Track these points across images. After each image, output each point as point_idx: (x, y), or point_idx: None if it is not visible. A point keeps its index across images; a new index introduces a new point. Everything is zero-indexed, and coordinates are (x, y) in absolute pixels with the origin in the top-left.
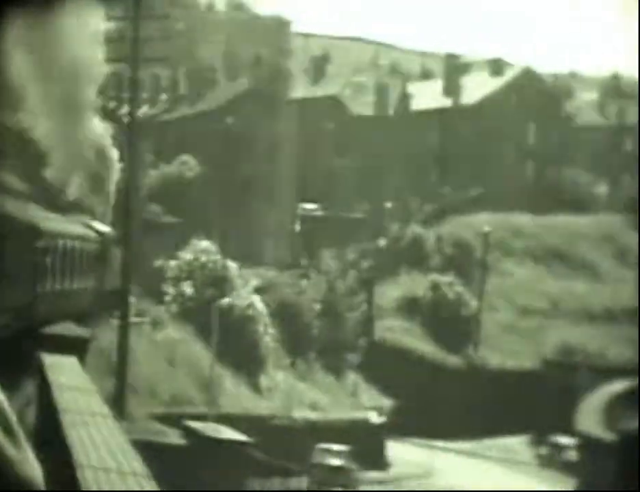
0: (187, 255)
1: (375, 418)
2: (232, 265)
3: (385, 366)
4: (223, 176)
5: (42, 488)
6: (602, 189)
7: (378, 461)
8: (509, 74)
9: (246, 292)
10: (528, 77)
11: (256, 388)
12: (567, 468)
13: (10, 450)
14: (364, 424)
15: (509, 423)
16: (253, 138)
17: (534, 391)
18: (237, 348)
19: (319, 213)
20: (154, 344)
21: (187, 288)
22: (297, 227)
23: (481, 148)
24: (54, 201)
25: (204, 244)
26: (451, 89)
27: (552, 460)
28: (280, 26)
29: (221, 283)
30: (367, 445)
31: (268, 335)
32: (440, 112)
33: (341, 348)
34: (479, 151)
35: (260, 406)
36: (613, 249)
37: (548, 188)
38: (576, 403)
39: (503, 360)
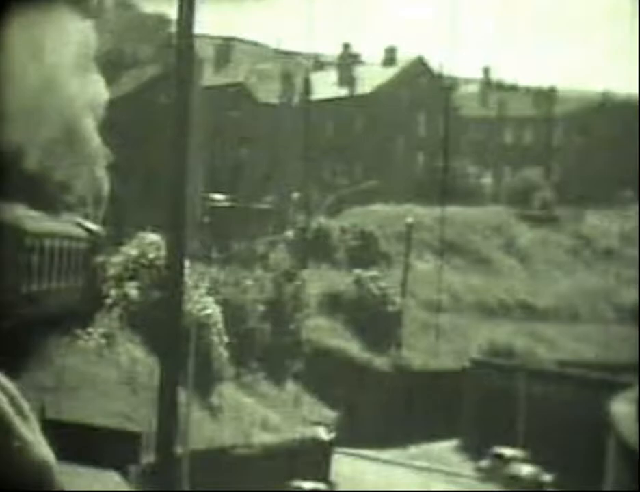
0: (131, 250)
1: (324, 435)
2: (185, 263)
3: (315, 371)
4: (132, 167)
5: (56, 470)
6: (487, 180)
7: (325, 479)
8: (400, 65)
9: (198, 295)
10: (419, 68)
11: (210, 410)
12: (512, 483)
13: (27, 434)
14: (315, 442)
15: (437, 428)
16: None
17: (461, 394)
18: (189, 362)
19: (227, 204)
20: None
21: (132, 290)
22: (206, 219)
23: (374, 139)
24: (38, 194)
25: (152, 237)
26: (346, 79)
27: (495, 474)
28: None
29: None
30: (317, 462)
31: (222, 345)
32: (337, 102)
33: (283, 354)
34: (373, 142)
35: (219, 434)
36: (502, 241)
37: (438, 180)
38: (511, 406)
39: (426, 360)
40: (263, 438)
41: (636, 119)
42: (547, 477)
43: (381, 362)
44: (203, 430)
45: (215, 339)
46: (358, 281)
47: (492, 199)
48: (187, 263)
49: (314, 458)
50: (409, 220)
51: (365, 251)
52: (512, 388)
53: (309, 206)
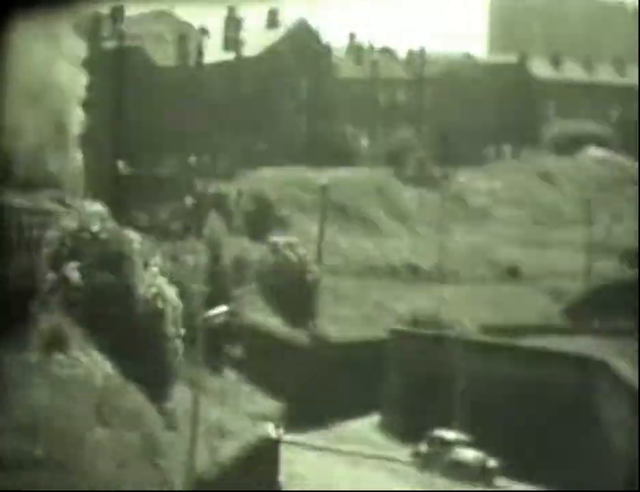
0: (71, 222)
1: (273, 431)
2: (134, 236)
3: (241, 347)
4: None
5: None
6: (365, 142)
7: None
8: (284, 27)
9: (151, 276)
10: (302, 30)
11: (165, 414)
12: (456, 469)
13: None
14: (266, 440)
15: (359, 403)
16: None
17: (382, 365)
18: (142, 359)
19: (128, 171)
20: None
21: (72, 272)
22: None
23: (261, 101)
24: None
25: (95, 207)
26: (231, 43)
27: (434, 461)
28: None
29: (118, 263)
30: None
31: (179, 337)
32: (225, 65)
33: (222, 338)
34: (259, 104)
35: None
36: (385, 202)
37: (322, 142)
38: (435, 377)
39: (344, 331)
40: (224, 447)
41: (496, 79)
42: (493, 463)
43: (301, 336)
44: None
45: (172, 330)
46: (275, 249)
47: (371, 160)
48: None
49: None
50: (324, 181)
51: (261, 216)
52: (433, 357)
53: (205, 171)
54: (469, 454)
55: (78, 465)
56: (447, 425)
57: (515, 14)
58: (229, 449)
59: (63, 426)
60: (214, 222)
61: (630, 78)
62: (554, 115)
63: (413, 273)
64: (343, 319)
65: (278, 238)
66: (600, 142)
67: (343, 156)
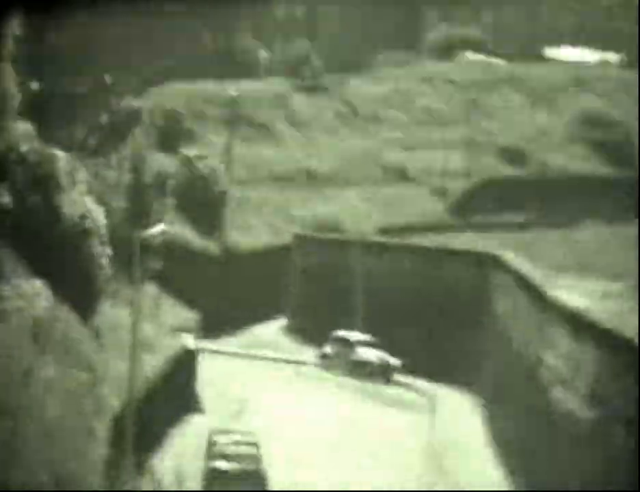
0: None
1: (192, 342)
2: (60, 154)
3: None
4: None
5: None
6: (264, 55)
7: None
8: None
9: (78, 194)
10: None
11: (95, 334)
12: (360, 369)
13: None
14: (186, 351)
15: (267, 309)
16: None
17: (287, 271)
18: (71, 279)
19: (42, 90)
20: None
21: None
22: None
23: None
24: None
25: (24, 126)
26: None
27: (339, 361)
28: None
29: (46, 184)
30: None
31: (105, 256)
32: None
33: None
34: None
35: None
36: (283, 112)
37: (225, 56)
38: (338, 280)
39: (252, 239)
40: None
41: None
42: (394, 361)
43: (213, 246)
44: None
45: (98, 249)
46: (186, 163)
47: (270, 72)
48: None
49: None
50: (234, 93)
51: (171, 130)
52: (335, 260)
53: (117, 89)
54: (371, 354)
55: (22, 401)
56: (350, 326)
57: None
58: (154, 364)
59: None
60: (137, 138)
61: None
62: (437, 21)
63: (311, 179)
64: (250, 228)
65: (188, 151)
66: (476, 47)
67: (245, 69)
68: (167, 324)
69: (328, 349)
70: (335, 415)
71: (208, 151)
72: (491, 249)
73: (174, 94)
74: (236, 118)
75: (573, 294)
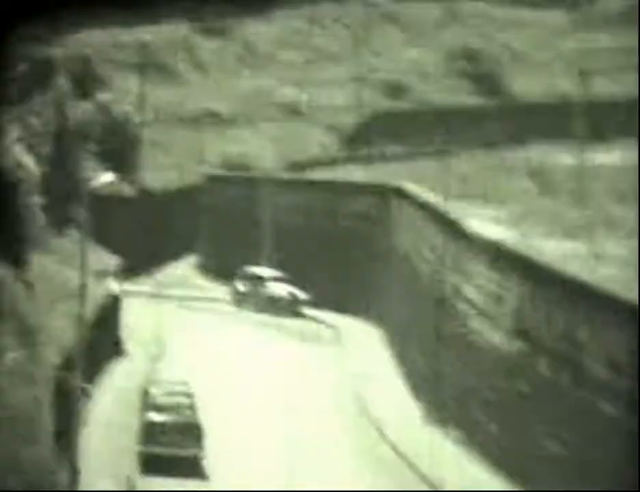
0: None
1: (115, 287)
2: None
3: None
4: None
5: None
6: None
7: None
8: None
9: (10, 142)
10: None
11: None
12: (271, 304)
13: None
14: (111, 297)
15: (180, 248)
16: None
17: (198, 210)
18: (4, 231)
19: None
20: None
21: None
22: None
23: None
24: None
25: None
26: None
27: (251, 297)
28: None
29: None
30: (111, 316)
31: (37, 206)
32: None
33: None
34: None
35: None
36: (186, 55)
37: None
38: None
39: (166, 181)
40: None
41: None
42: (302, 296)
43: (128, 188)
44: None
45: (33, 199)
46: (100, 107)
47: (173, 18)
48: None
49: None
50: (146, 38)
51: (85, 76)
52: (244, 199)
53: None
54: (281, 289)
55: None
56: (259, 262)
57: None
58: (84, 312)
59: None
60: (59, 85)
61: None
62: None
63: (215, 119)
64: (162, 169)
65: (102, 96)
66: None
67: (149, 14)
68: (91, 270)
69: (240, 286)
70: (252, 352)
71: (119, 96)
72: (394, 181)
73: (85, 41)
74: (146, 63)
75: (484, 223)
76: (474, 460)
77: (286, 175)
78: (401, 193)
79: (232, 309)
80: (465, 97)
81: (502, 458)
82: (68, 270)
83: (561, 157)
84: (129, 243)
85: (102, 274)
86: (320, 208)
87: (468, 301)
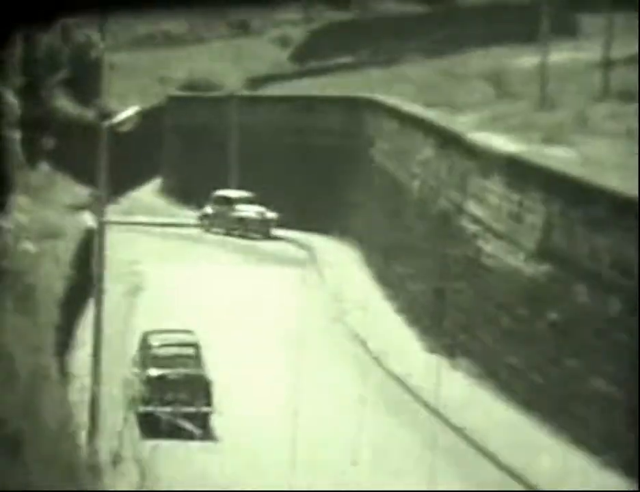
0: None
1: (90, 220)
2: None
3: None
4: None
5: None
6: None
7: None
8: None
9: None
10: None
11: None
12: (240, 226)
13: None
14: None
15: (144, 172)
16: None
17: (161, 132)
18: None
19: None
20: None
21: None
22: None
23: None
24: None
25: None
26: None
27: (220, 220)
28: None
29: None
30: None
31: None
32: None
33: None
34: None
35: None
36: None
37: None
38: (216, 138)
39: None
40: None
41: None
42: (271, 215)
43: (91, 114)
44: None
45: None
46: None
47: None
48: None
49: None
50: None
51: None
52: (209, 118)
53: None
54: (250, 210)
55: None
56: (226, 184)
57: None
58: (65, 250)
59: None
60: None
61: None
62: None
63: (167, 39)
64: (124, 93)
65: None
66: None
67: None
68: (64, 204)
69: (208, 209)
70: (229, 278)
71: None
72: (360, 92)
73: None
74: None
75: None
76: (494, 395)
77: (250, 93)
78: (373, 105)
79: (201, 233)
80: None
81: (530, 396)
82: (43, 208)
83: (517, 60)
84: (93, 171)
85: (73, 206)
86: (288, 125)
87: (477, 220)
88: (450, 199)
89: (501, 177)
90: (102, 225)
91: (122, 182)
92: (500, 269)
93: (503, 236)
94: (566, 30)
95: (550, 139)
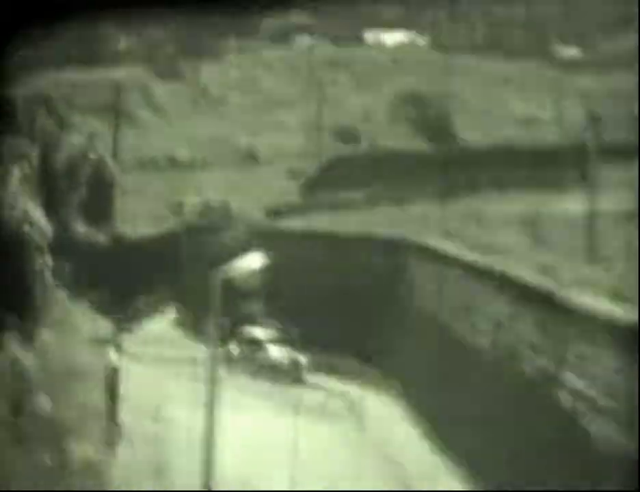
0: None
1: (115, 357)
2: None
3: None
4: None
5: None
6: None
7: None
8: None
9: (12, 192)
10: None
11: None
12: (266, 371)
13: None
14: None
15: (158, 300)
16: None
17: (178, 259)
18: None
19: None
20: None
21: None
22: None
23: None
24: None
25: None
26: None
27: (246, 362)
28: None
29: None
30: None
31: (48, 270)
32: None
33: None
34: None
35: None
36: (142, 98)
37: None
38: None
39: (140, 228)
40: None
41: None
42: (303, 359)
43: (102, 236)
44: None
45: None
46: (73, 149)
47: (126, 59)
48: None
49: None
50: (122, 76)
51: (50, 118)
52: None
53: None
54: (280, 352)
55: None
56: (252, 319)
57: None
58: (82, 394)
59: None
60: (42, 119)
61: None
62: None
63: (174, 165)
64: (134, 216)
65: (75, 139)
66: (306, 30)
67: (103, 57)
68: (85, 337)
69: (233, 348)
70: (258, 431)
71: (84, 139)
72: (408, 235)
73: (45, 82)
74: (117, 106)
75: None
76: None
77: (274, 224)
78: (416, 246)
79: (224, 374)
80: (417, 143)
81: None
82: (67, 342)
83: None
84: (107, 294)
85: (95, 339)
86: (322, 261)
87: (576, 393)
88: (538, 365)
89: (607, 343)
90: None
91: (137, 310)
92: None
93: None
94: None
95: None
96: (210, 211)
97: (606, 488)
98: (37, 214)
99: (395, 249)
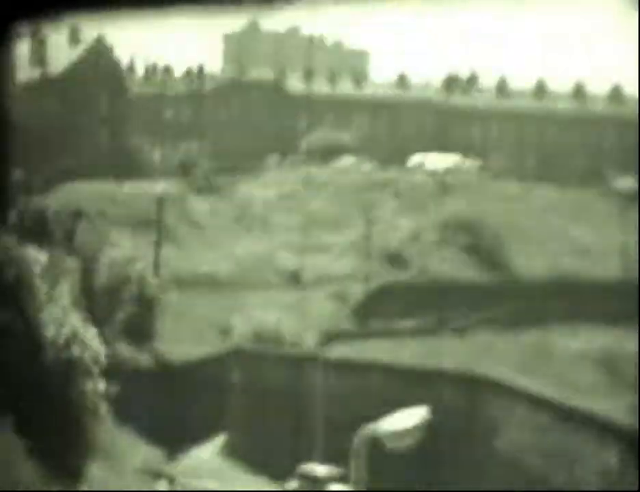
0: None
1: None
2: (34, 254)
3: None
4: None
5: None
6: (156, 155)
7: None
8: (83, 45)
9: (62, 308)
10: (100, 48)
11: None
12: None
13: None
14: None
15: (204, 427)
16: None
17: (225, 385)
18: (50, 430)
19: None
20: None
21: None
22: None
23: (66, 119)
24: None
25: None
26: (37, 58)
27: None
28: None
29: (16, 292)
30: None
31: (99, 395)
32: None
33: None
34: (65, 121)
35: None
36: (181, 213)
37: (121, 156)
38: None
39: (184, 350)
40: None
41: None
42: None
43: (145, 358)
44: None
45: (91, 386)
46: (113, 265)
47: (162, 172)
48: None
49: None
50: (159, 190)
51: (89, 232)
52: (280, 376)
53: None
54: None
55: None
56: (307, 455)
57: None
58: None
59: None
60: (85, 233)
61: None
62: (308, 126)
63: (213, 283)
64: (179, 337)
65: (113, 254)
66: (349, 150)
67: (138, 169)
68: (133, 469)
69: (292, 486)
70: None
71: (120, 253)
72: (489, 372)
73: (76, 193)
74: (159, 219)
75: None
76: None
77: (332, 354)
78: (498, 385)
79: None
80: (461, 268)
81: None
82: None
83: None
84: (149, 421)
85: (143, 470)
86: (388, 395)
87: None
88: None
89: None
90: None
91: (182, 437)
92: None
93: None
94: None
95: None
96: (262, 335)
97: None
98: (90, 333)
99: (466, 383)
